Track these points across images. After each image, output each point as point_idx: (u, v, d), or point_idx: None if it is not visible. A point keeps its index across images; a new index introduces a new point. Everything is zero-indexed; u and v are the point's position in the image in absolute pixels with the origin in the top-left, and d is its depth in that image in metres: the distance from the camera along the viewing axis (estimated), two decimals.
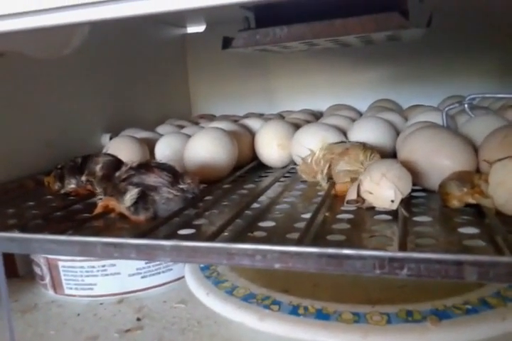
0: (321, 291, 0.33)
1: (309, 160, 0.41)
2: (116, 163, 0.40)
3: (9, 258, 0.44)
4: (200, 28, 0.78)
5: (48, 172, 0.48)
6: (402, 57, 0.70)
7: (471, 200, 0.30)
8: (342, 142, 0.41)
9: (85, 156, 0.46)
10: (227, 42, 0.41)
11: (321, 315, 0.29)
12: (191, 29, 0.81)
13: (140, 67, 0.69)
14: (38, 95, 0.52)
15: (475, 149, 0.35)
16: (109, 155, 0.43)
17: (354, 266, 0.22)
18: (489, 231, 0.26)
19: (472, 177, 0.31)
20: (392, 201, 0.30)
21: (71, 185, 0.44)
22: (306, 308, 0.29)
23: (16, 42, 0.26)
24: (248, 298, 0.31)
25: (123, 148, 0.48)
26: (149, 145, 0.51)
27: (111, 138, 0.59)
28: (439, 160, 0.34)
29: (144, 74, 0.71)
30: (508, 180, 0.27)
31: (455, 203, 0.31)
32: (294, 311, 0.29)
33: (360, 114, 0.61)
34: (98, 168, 0.41)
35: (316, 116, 0.63)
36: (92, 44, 0.51)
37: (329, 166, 0.39)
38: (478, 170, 0.34)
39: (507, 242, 0.23)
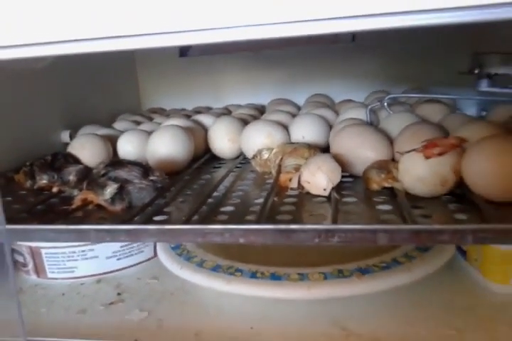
0: (273, 260, 0.41)
1: (265, 156, 0.48)
2: (85, 169, 0.46)
3: None
4: None
5: (16, 170, 0.51)
6: (332, 58, 0.78)
7: (386, 184, 0.38)
8: (292, 143, 0.49)
9: (54, 154, 0.51)
10: (183, 52, 0.46)
11: (275, 277, 0.36)
12: None
13: (91, 67, 0.72)
14: (2, 98, 0.55)
15: (391, 141, 0.44)
16: (75, 159, 0.49)
17: (299, 238, 0.29)
18: (399, 207, 0.34)
19: (388, 165, 0.40)
20: (325, 189, 0.38)
21: (43, 180, 0.48)
22: (262, 273, 0.37)
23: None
24: (216, 269, 0.38)
25: (87, 146, 0.53)
26: (110, 141, 0.55)
27: (70, 135, 0.63)
28: (363, 152, 0.42)
29: (95, 73, 0.74)
30: (412, 168, 0.36)
31: (375, 186, 0.39)
32: (253, 275, 0.37)
33: (299, 108, 0.69)
34: (72, 176, 0.46)
35: (260, 110, 0.70)
36: None
37: (280, 161, 0.46)
38: (393, 159, 0.43)
39: (410, 215, 0.32)
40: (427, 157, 0.35)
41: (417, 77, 0.75)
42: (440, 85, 0.70)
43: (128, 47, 0.28)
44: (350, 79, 0.80)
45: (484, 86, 0.49)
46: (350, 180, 0.44)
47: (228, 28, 0.27)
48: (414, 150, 0.36)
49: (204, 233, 0.30)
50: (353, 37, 0.46)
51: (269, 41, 0.46)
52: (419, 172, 0.35)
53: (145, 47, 0.28)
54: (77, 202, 0.40)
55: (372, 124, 0.51)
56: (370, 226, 0.28)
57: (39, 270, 0.46)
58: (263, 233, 0.30)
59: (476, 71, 0.48)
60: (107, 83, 0.77)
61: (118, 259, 0.47)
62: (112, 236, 0.32)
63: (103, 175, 0.40)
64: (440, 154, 0.34)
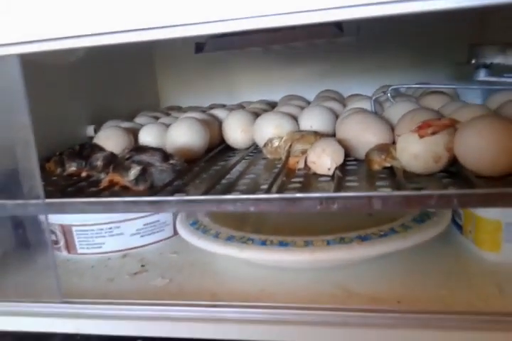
0: (281, 230, 0.45)
1: (276, 144, 0.52)
2: (111, 155, 0.50)
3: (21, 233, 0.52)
4: None
5: (47, 159, 0.56)
6: (341, 55, 0.82)
7: (386, 164, 0.42)
8: (300, 131, 0.53)
9: (81, 144, 0.55)
10: (199, 48, 0.50)
11: (282, 244, 0.40)
12: None
13: (113, 67, 0.78)
14: (38, 96, 0.60)
15: (392, 128, 0.47)
16: (102, 149, 0.53)
17: (303, 205, 0.33)
18: (396, 183, 0.38)
19: (388, 147, 0.43)
20: (329, 169, 0.42)
21: (72, 167, 0.52)
22: (271, 241, 0.41)
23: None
24: (230, 239, 0.42)
25: (111, 137, 0.57)
26: (133, 133, 0.60)
27: (95, 129, 0.68)
28: (366, 136, 0.45)
29: (117, 73, 0.79)
30: (408, 147, 0.39)
31: (376, 167, 0.42)
32: (263, 243, 0.41)
33: (309, 103, 0.72)
34: (99, 161, 0.50)
35: (272, 106, 0.74)
36: None
37: (289, 147, 0.50)
38: (394, 143, 0.46)
39: (403, 186, 0.35)
40: (421, 136, 0.38)
41: (423, 71, 0.79)
42: (447, 78, 0.74)
43: (149, 39, 0.32)
44: (360, 75, 0.84)
45: (482, 76, 0.52)
46: (354, 163, 0.47)
47: (240, 19, 0.31)
48: (410, 131, 0.40)
49: (219, 202, 0.34)
50: (358, 30, 0.49)
51: (277, 36, 0.49)
52: (414, 150, 0.38)
53: (162, 38, 0.32)
54: (104, 183, 0.45)
55: (377, 113, 0.54)
56: (366, 193, 0.32)
57: (70, 246, 0.50)
58: (271, 202, 0.33)
59: (473, 61, 0.51)
60: (128, 83, 0.82)
61: (141, 236, 0.51)
62: (138, 207, 0.36)
63: (127, 159, 0.44)
64: (433, 133, 0.38)
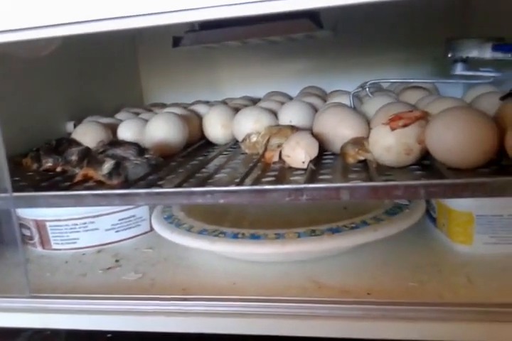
0: (253, 223, 0.45)
1: (254, 139, 0.52)
2: (87, 150, 0.49)
3: None
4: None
5: (24, 155, 0.55)
6: (325, 52, 0.82)
7: (360, 157, 0.42)
8: (278, 125, 0.53)
9: (58, 139, 0.55)
10: (176, 41, 0.50)
11: (254, 237, 0.40)
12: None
13: (96, 63, 0.77)
14: (16, 90, 0.59)
15: (369, 121, 0.47)
16: (78, 144, 0.52)
17: (272, 197, 0.33)
18: (368, 175, 0.38)
19: (362, 140, 0.43)
20: (303, 162, 0.41)
21: (48, 163, 0.52)
22: (243, 234, 0.41)
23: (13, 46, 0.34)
24: (202, 232, 0.42)
25: (89, 132, 0.57)
26: (111, 129, 0.59)
27: (75, 125, 0.67)
28: (341, 130, 0.45)
29: (100, 69, 0.78)
30: (380, 140, 0.39)
31: (351, 160, 0.42)
32: (235, 236, 0.40)
33: (291, 99, 0.72)
34: (74, 156, 0.49)
35: (255, 102, 0.73)
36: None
37: (267, 142, 0.50)
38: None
39: (375, 179, 0.35)
40: (393, 128, 0.38)
41: (408, 67, 0.79)
42: (433, 74, 0.74)
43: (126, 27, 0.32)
44: (343, 72, 0.84)
45: (459, 70, 0.52)
46: (331, 157, 0.47)
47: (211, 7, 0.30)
48: (382, 124, 0.40)
49: (188, 195, 0.34)
50: (335, 24, 0.49)
51: (254, 30, 0.49)
52: (386, 143, 0.38)
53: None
54: (78, 177, 0.44)
55: (356, 108, 0.54)
56: (334, 184, 0.32)
57: (44, 242, 0.50)
58: (240, 193, 0.33)
59: (450, 55, 0.51)
60: (111, 79, 0.81)
61: (116, 231, 0.51)
62: (107, 200, 0.35)
63: (101, 153, 0.44)
64: (405, 126, 0.38)
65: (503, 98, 0.43)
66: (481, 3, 0.67)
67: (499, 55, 0.49)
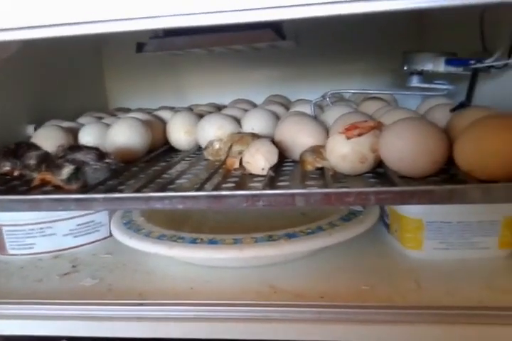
0: (213, 229, 0.45)
1: (217, 146, 0.52)
2: (45, 154, 0.49)
3: None
4: None
5: None
6: (290, 62, 0.84)
7: (317, 164, 0.43)
8: (240, 133, 0.53)
9: (17, 143, 0.54)
10: (140, 47, 0.50)
11: (212, 242, 0.40)
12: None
13: (60, 66, 0.76)
14: None
15: (328, 130, 0.48)
16: (38, 148, 0.51)
17: (229, 203, 0.33)
18: (324, 182, 0.39)
19: (320, 149, 0.44)
20: (263, 169, 0.42)
21: (6, 167, 0.51)
22: (201, 239, 0.41)
23: None
24: (161, 237, 0.42)
25: (49, 136, 0.56)
26: (72, 133, 0.59)
27: (35, 129, 0.66)
28: (301, 138, 0.46)
29: (64, 72, 0.77)
30: (336, 148, 0.40)
31: (309, 167, 0.43)
32: (193, 241, 0.41)
33: (256, 107, 0.73)
34: (32, 160, 0.49)
35: (220, 109, 0.74)
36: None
37: (229, 149, 0.50)
38: None
39: (329, 185, 0.36)
40: (348, 137, 0.39)
41: (371, 78, 0.82)
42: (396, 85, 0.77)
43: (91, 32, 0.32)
44: (308, 81, 0.86)
45: (414, 82, 0.54)
46: (291, 165, 0.48)
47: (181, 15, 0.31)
48: (338, 132, 0.41)
49: (146, 200, 0.34)
50: (296, 35, 0.50)
51: (218, 38, 0.50)
52: (342, 151, 0.39)
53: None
54: (35, 181, 0.44)
55: (316, 117, 0.56)
56: (289, 190, 0.33)
57: (0, 246, 0.49)
58: (198, 199, 0.34)
59: (405, 68, 0.53)
60: (73, 83, 0.80)
61: (75, 237, 0.50)
62: (64, 205, 0.35)
63: (60, 158, 0.43)
64: (359, 135, 0.39)
65: (453, 110, 0.45)
66: (436, 19, 0.70)
67: (451, 69, 0.51)
